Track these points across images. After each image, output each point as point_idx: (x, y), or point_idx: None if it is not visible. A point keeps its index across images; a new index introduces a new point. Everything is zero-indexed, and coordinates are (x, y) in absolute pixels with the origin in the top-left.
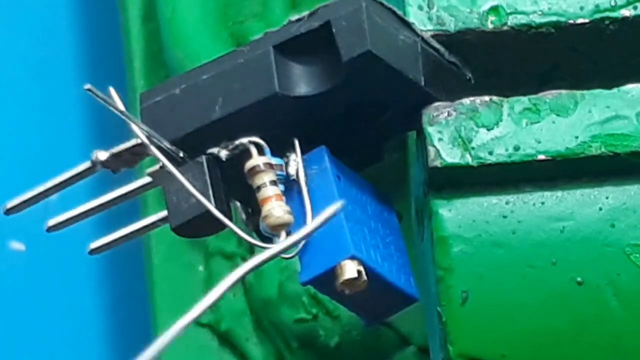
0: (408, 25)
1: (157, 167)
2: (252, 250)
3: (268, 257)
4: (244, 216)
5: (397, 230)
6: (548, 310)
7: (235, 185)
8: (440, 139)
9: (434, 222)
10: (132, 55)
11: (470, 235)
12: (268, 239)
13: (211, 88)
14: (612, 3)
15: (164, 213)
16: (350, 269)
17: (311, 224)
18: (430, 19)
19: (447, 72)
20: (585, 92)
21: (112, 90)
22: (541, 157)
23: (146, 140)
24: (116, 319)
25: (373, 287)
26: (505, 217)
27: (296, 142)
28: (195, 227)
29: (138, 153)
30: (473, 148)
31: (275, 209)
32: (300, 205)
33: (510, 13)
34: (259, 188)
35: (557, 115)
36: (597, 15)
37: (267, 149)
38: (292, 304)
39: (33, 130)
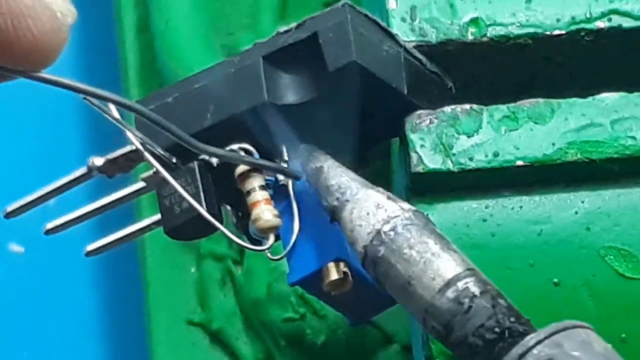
0: (391, 37)
1: (151, 172)
2: (242, 252)
3: None
4: (234, 219)
5: None
6: (526, 310)
7: (226, 190)
8: (422, 146)
9: None
10: (127, 65)
11: (451, 238)
12: (257, 241)
13: (203, 96)
14: (588, 15)
15: (158, 216)
16: (336, 271)
17: None
18: (412, 30)
19: (429, 81)
20: (561, 100)
21: None
22: (519, 163)
23: (140, 147)
24: (112, 319)
25: (358, 288)
26: (485, 220)
27: (284, 149)
28: (188, 230)
29: (132, 159)
30: (454, 154)
31: (265, 212)
32: (289, 208)
33: (490, 25)
34: (248, 192)
35: (535, 122)
36: (573, 27)
37: (256, 154)
38: (280, 304)
39: (32, 137)
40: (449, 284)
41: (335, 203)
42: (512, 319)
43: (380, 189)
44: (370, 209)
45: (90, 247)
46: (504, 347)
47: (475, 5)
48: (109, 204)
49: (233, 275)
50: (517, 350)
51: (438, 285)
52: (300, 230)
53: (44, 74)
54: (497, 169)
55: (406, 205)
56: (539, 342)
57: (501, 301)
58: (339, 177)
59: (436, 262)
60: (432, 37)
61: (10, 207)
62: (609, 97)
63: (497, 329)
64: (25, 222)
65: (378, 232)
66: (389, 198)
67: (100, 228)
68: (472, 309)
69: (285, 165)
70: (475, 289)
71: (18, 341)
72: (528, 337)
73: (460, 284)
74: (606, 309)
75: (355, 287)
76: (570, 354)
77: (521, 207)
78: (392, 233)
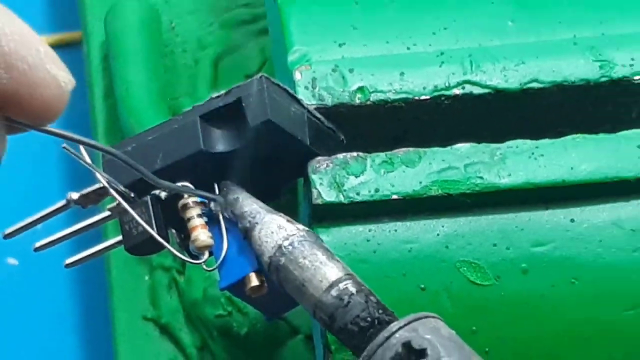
0: (297, 101)
1: (114, 204)
2: (183, 264)
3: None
4: (178, 240)
5: None
6: (400, 308)
7: (171, 217)
8: (321, 184)
9: None
10: (97, 123)
11: (342, 254)
12: (195, 256)
13: (154, 146)
14: (447, 84)
15: (120, 238)
16: (255, 279)
17: None
18: (313, 95)
19: (326, 135)
20: (427, 149)
21: (82, 148)
22: (395, 197)
23: (107, 185)
24: (86, 315)
25: (272, 292)
26: (368, 240)
27: (215, 186)
28: (143, 248)
29: (101, 194)
30: (345, 190)
31: (201, 235)
32: (219, 231)
33: (372, 92)
34: (188, 219)
35: (407, 166)
36: (436, 94)
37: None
38: (213, 304)
39: (25, 178)
40: (332, 285)
41: (247, 225)
42: (380, 311)
43: (281, 214)
44: (274, 229)
45: (69, 260)
46: (374, 332)
47: (361, 77)
48: (83, 228)
49: (177, 282)
50: (383, 334)
51: (324, 286)
52: (228, 248)
53: (49, 127)
54: (378, 201)
55: (301, 226)
56: (400, 328)
57: (372, 298)
58: (250, 205)
59: (323, 268)
60: (329, 101)
61: (8, 230)
62: (462, 147)
63: (369, 319)
64: (19, 241)
65: (280, 246)
66: (288, 221)
67: (77, 246)
68: (350, 304)
69: (216, 196)
70: (352, 289)
71: (12, 333)
72: (392, 325)
73: (341, 285)
74: (461, 308)
75: (269, 292)
76: (423, 336)
77: (396, 230)
78: (290, 247)
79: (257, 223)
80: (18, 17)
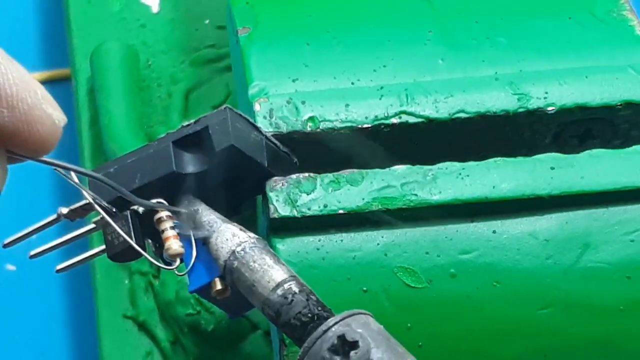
0: (257, 128)
1: (99, 217)
2: (158, 270)
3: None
4: (153, 249)
5: None
6: (344, 309)
7: (148, 229)
8: (277, 200)
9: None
10: (83, 147)
11: (296, 260)
12: (168, 263)
13: (133, 168)
14: (385, 114)
15: (103, 247)
16: (219, 284)
17: None
18: (271, 124)
19: (282, 158)
20: (368, 170)
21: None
22: (341, 211)
23: (92, 201)
24: (74, 313)
25: (234, 295)
26: (318, 249)
27: (184, 200)
28: (123, 255)
29: (87, 209)
30: (298, 206)
31: (173, 244)
32: (189, 242)
33: (322, 121)
34: (162, 231)
35: (351, 185)
36: (376, 122)
37: (167, 205)
38: (184, 304)
39: (22, 196)
40: (278, 285)
41: (206, 233)
42: (320, 308)
43: (235, 223)
44: (228, 236)
45: (59, 266)
46: (314, 326)
47: (312, 108)
48: (71, 238)
49: (153, 285)
50: (321, 328)
51: (271, 286)
52: (196, 256)
53: (45, 158)
54: (326, 215)
55: (252, 234)
56: (335, 323)
57: (312, 296)
58: (209, 216)
59: (270, 271)
60: (284, 128)
61: (7, 240)
62: (399, 168)
63: (309, 315)
64: (17, 250)
65: (233, 251)
66: (241, 229)
67: (66, 254)
68: (293, 302)
69: (184, 211)
70: (295, 289)
71: (13, 332)
72: (329, 320)
73: (286, 285)
74: (397, 308)
75: (232, 295)
76: (355, 330)
77: (342, 240)
78: (242, 252)
79: (214, 231)
80: (19, 63)
